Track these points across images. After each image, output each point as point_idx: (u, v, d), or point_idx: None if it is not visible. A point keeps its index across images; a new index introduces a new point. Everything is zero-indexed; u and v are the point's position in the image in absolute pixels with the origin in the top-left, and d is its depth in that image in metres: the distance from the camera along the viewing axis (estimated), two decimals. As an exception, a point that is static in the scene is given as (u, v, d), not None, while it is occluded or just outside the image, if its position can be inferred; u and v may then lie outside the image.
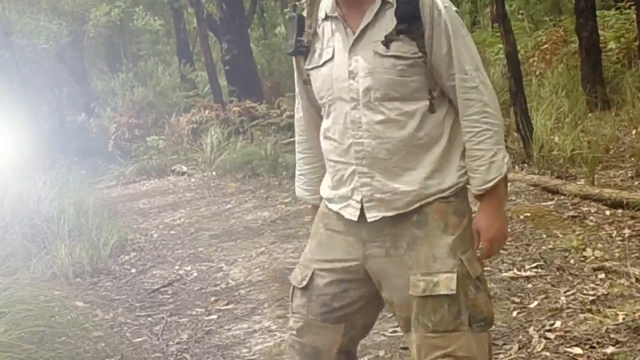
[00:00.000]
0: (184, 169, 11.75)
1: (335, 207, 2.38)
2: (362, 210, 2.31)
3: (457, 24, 2.25)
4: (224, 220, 7.81)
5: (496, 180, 2.25)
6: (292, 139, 10.28)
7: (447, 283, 2.20)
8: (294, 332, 2.44)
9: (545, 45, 12.22)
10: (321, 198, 2.49)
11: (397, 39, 2.20)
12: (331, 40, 2.33)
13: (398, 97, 2.23)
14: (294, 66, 2.50)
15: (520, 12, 15.86)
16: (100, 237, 6.55)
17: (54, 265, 5.95)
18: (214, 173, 10.97)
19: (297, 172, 2.66)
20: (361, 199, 2.29)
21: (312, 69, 2.38)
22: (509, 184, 6.52)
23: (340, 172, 2.34)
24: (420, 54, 2.21)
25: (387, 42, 2.21)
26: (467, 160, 2.27)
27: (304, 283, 2.40)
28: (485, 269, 4.62)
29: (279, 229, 6.87)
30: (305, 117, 2.56)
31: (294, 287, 2.45)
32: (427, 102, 2.25)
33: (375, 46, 2.22)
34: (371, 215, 2.29)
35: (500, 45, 10.05)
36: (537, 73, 11.18)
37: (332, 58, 2.31)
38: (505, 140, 7.56)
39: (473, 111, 2.24)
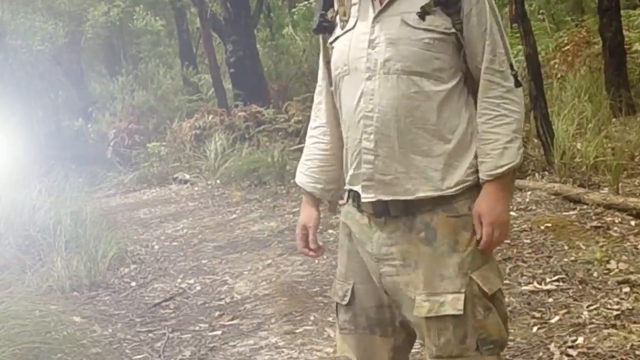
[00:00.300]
0: (187, 177, 11.77)
1: (355, 187, 2.35)
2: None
3: (494, 7, 2.26)
4: (229, 231, 7.82)
5: (508, 167, 2.21)
6: (300, 145, 10.33)
7: (453, 304, 2.19)
8: (346, 348, 2.46)
9: (567, 47, 12.20)
10: (322, 189, 2.51)
11: (433, 11, 2.20)
12: (354, 10, 2.32)
13: (419, 72, 2.21)
14: (321, 46, 2.49)
15: (541, 11, 15.82)
16: (98, 248, 6.55)
17: (50, 278, 5.95)
18: (218, 181, 10.99)
19: (303, 157, 2.59)
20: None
21: (334, 41, 2.38)
22: (528, 192, 6.62)
23: (351, 149, 2.33)
24: (453, 30, 2.21)
25: (422, 14, 2.20)
26: (480, 144, 2.24)
27: (347, 299, 2.42)
28: (503, 282, 4.66)
29: (286, 240, 6.86)
30: (327, 102, 2.52)
31: (337, 303, 2.47)
32: (448, 87, 2.23)
33: (405, 17, 2.21)
34: (367, 196, 2.28)
35: (520, 47, 10.02)
36: (559, 76, 11.17)
37: (353, 27, 2.31)
38: (525, 147, 7.56)
39: (493, 94, 2.23)
